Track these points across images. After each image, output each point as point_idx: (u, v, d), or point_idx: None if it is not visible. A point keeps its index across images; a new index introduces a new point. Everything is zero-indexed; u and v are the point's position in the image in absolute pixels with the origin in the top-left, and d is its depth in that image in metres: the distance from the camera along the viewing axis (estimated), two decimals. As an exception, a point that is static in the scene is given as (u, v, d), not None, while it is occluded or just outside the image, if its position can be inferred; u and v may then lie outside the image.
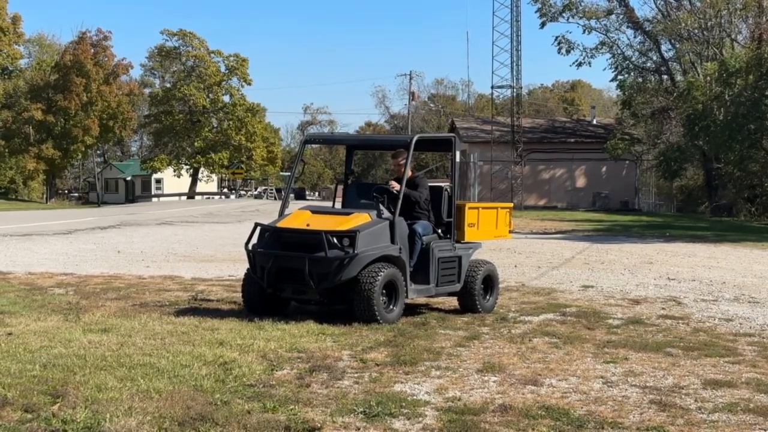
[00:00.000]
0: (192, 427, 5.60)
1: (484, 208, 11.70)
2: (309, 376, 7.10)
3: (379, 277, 9.43)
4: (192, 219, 33.35)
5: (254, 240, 10.18)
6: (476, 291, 10.67)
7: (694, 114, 38.90)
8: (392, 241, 9.82)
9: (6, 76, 70.87)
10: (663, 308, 11.49)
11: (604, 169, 51.86)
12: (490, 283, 11.03)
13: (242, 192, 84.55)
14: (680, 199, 51.17)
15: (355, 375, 7.21)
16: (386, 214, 9.98)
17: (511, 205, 12.49)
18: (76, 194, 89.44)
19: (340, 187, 11.97)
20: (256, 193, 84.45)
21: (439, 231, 10.61)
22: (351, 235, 9.50)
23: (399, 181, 10.37)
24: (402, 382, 7.02)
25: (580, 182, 52.54)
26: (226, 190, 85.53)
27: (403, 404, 6.31)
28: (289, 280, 9.71)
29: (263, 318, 9.52)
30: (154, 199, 74.67)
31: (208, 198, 73.70)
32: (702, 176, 47.16)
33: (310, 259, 9.43)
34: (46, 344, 7.98)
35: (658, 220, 37.56)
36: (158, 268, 15.39)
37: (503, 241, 22.19)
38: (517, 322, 10.12)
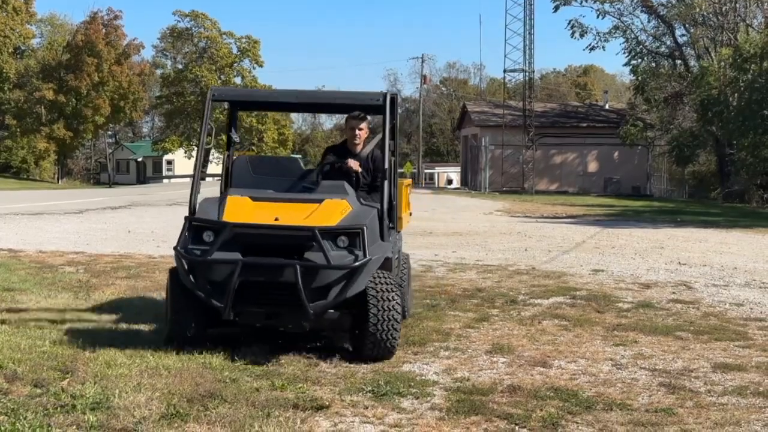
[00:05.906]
0: (200, 404, 5.60)
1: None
2: (318, 355, 7.10)
3: (397, 301, 6.88)
4: (203, 200, 33.35)
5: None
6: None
7: (708, 99, 38.67)
8: (382, 237, 7.23)
9: (18, 56, 71.02)
10: (673, 292, 11.45)
11: (616, 154, 51.67)
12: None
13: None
14: (692, 184, 50.97)
15: (364, 355, 7.20)
16: (360, 200, 7.46)
17: (410, 181, 10.18)
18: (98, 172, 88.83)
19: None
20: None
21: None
22: (354, 232, 6.76)
23: (356, 155, 8.02)
24: (411, 362, 7.01)
25: (592, 167, 52.39)
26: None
27: (412, 384, 6.31)
28: (261, 299, 6.72)
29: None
30: (165, 181, 74.84)
31: (219, 179, 73.66)
32: (714, 162, 46.93)
33: (303, 268, 6.56)
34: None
35: (669, 205, 37.42)
36: (168, 248, 15.32)
37: (513, 225, 22.16)
38: (526, 305, 10.10)
